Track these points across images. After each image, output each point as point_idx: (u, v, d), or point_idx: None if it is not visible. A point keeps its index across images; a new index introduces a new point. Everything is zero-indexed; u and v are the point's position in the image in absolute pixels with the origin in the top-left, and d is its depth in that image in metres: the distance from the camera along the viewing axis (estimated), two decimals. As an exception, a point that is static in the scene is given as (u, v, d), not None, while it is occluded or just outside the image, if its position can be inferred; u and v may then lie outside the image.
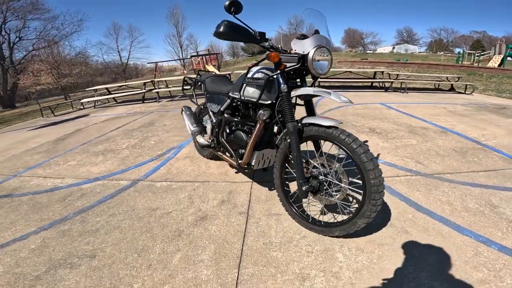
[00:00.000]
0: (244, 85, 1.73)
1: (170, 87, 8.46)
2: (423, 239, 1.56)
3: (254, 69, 1.72)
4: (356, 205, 1.71)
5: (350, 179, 1.51)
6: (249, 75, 1.71)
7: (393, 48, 55.55)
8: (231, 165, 2.61)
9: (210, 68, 16.89)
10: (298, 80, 1.60)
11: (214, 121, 2.17)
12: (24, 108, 17.20)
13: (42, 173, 2.96)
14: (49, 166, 3.16)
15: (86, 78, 25.08)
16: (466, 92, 7.96)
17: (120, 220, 1.89)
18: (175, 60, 35.55)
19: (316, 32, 1.51)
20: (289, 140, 1.50)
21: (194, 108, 2.76)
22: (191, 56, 20.31)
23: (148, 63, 30.61)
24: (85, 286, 1.36)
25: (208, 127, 2.31)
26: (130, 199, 2.15)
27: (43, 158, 3.51)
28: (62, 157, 3.43)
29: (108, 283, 1.37)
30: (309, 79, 1.66)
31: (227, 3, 1.35)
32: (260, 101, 1.60)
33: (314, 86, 1.49)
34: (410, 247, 1.51)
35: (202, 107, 2.61)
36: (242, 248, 1.54)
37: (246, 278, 1.34)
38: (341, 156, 1.45)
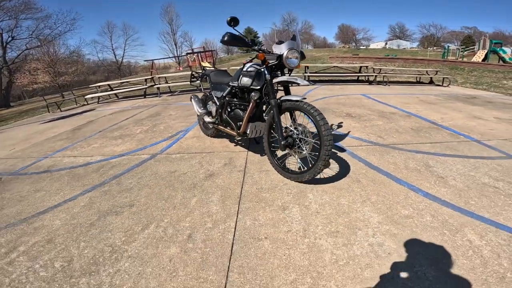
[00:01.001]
0: (241, 76, 2.39)
1: (170, 83, 8.99)
2: (370, 186, 2.17)
3: (248, 64, 2.38)
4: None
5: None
6: (244, 69, 2.37)
7: (386, 43, 56.44)
8: (231, 138, 3.25)
9: (206, 65, 17.44)
10: (279, 72, 2.23)
11: (218, 104, 2.81)
12: (21, 107, 17.42)
13: (71, 154, 3.51)
14: (75, 149, 3.71)
15: (80, 77, 25.26)
16: (444, 85, 8.67)
17: (148, 180, 2.48)
18: (170, 57, 35.77)
19: (293, 37, 2.12)
20: (272, 112, 2.14)
21: (200, 96, 3.36)
22: (187, 53, 20.72)
23: (145, 60, 30.93)
24: (129, 224, 1.85)
25: (213, 109, 2.97)
26: (152, 167, 2.74)
27: (66, 143, 4.06)
28: (84, 142, 3.99)
29: (145, 220, 1.90)
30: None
31: (228, 19, 1.98)
32: (251, 87, 2.25)
33: (288, 75, 2.14)
34: (359, 191, 2.11)
35: (207, 94, 3.22)
36: (241, 192, 2.15)
37: (244, 209, 1.94)
38: (307, 124, 2.10)
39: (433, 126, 3.65)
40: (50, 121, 6.58)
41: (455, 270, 1.34)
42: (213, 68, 3.29)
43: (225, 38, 1.96)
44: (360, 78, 9.31)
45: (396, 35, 59.52)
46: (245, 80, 2.33)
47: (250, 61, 2.42)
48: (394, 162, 2.56)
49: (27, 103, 21.32)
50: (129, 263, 1.51)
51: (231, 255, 1.51)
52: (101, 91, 9.20)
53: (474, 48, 19.61)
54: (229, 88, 2.60)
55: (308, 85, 2.06)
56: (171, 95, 8.36)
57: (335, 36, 60.75)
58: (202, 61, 17.87)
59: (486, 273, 1.32)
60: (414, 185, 2.19)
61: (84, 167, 3.01)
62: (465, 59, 16.97)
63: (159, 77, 9.04)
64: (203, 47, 26.56)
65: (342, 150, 2.88)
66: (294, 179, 2.19)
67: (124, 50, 39.46)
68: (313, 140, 2.03)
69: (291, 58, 2.03)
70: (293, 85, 2.13)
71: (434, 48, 42.06)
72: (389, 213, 1.83)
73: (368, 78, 8.91)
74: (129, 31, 40.56)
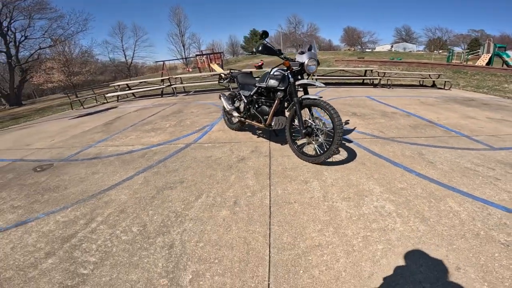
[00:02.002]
0: (268, 78, 2.94)
1: (184, 83, 9.58)
2: (372, 167, 2.69)
3: (274, 69, 2.93)
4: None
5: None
6: (271, 73, 2.93)
7: (392, 46, 56.73)
8: (253, 131, 3.80)
9: (215, 66, 18.03)
10: (299, 76, 2.77)
11: (246, 101, 3.35)
12: (34, 105, 18.09)
13: (113, 144, 4.05)
14: (115, 140, 4.25)
15: (92, 77, 25.93)
16: (445, 88, 9.12)
17: (189, 163, 3.01)
18: (179, 59, 36.54)
19: (310, 47, 2.67)
20: (294, 108, 2.69)
21: (227, 94, 3.91)
22: (196, 55, 21.34)
23: (156, 62, 31.64)
24: (184, 196, 2.32)
25: (242, 106, 3.52)
26: (190, 153, 3.29)
27: (104, 135, 4.61)
28: (121, 134, 4.54)
29: (196, 192, 2.39)
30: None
31: (260, 32, 2.53)
32: (278, 87, 2.79)
33: (307, 79, 2.69)
34: (365, 170, 2.64)
35: (235, 93, 3.77)
36: (270, 171, 2.68)
37: (274, 183, 2.46)
38: (322, 118, 2.65)
39: (429, 124, 4.15)
40: (78, 117, 7.14)
41: (440, 227, 1.81)
42: (238, 71, 3.83)
43: (260, 48, 2.51)
44: (365, 81, 9.80)
45: (402, 38, 59.82)
46: (272, 82, 2.87)
47: (276, 67, 2.98)
48: (393, 151, 3.08)
49: (38, 102, 22.03)
50: (192, 224, 1.95)
51: (270, 214, 2.02)
52: (120, 90, 9.82)
53: (478, 52, 19.92)
54: (255, 88, 3.16)
55: (323, 87, 2.65)
56: (186, 94, 8.95)
57: (340, 39, 61.40)
58: (211, 62, 18.49)
59: (464, 230, 1.77)
60: (409, 167, 2.70)
61: (129, 154, 3.55)
62: (469, 63, 17.33)
63: (175, 78, 9.63)
64: (212, 49, 27.25)
65: (350, 141, 3.40)
66: (312, 161, 2.72)
67: (134, 50, 40.46)
68: (328, 128, 2.56)
69: (310, 65, 2.59)
70: (310, 86, 2.68)
71: (440, 51, 42.26)
72: (388, 186, 2.35)
73: (372, 81, 9.40)
74: (139, 32, 41.67)
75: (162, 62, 18.78)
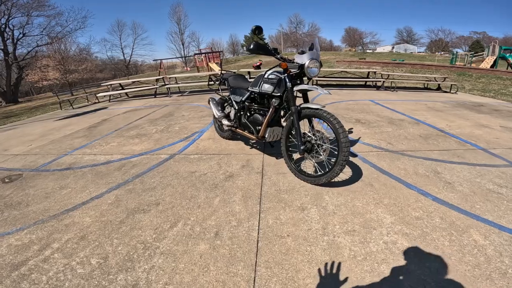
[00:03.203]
0: (262, 82, 2.52)
1: (179, 83, 9.18)
2: (381, 190, 2.30)
3: (269, 71, 2.50)
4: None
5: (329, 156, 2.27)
6: (266, 76, 2.50)
7: (393, 47, 56.31)
8: (246, 141, 3.39)
9: (213, 66, 17.61)
10: (298, 80, 2.35)
11: (237, 108, 2.94)
12: (30, 103, 17.74)
13: (91, 152, 3.67)
14: (94, 147, 3.87)
15: (88, 74, 25.58)
16: (451, 91, 8.72)
17: (170, 180, 2.62)
18: (179, 57, 36.10)
19: (311, 46, 2.26)
20: (292, 118, 2.27)
21: (217, 98, 3.51)
22: (195, 54, 20.93)
23: (153, 60, 31.24)
24: (157, 222, 1.95)
25: (232, 113, 3.11)
26: (173, 166, 2.89)
27: (84, 141, 4.22)
28: (102, 140, 4.15)
29: (173, 218, 2.01)
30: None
31: (253, 27, 2.11)
32: (273, 93, 2.38)
33: (307, 84, 2.28)
34: (372, 194, 2.25)
35: (226, 98, 3.36)
36: (261, 193, 2.28)
37: (265, 209, 2.07)
38: (323, 130, 2.24)
39: (441, 134, 3.75)
40: (65, 118, 6.77)
41: (462, 266, 1.47)
42: (231, 72, 3.42)
43: (251, 47, 2.06)
44: (367, 83, 9.40)
45: (404, 39, 59.39)
46: (266, 87, 2.46)
47: (271, 68, 2.55)
48: (404, 168, 2.68)
49: (35, 100, 21.68)
50: (162, 260, 1.61)
51: (257, 251, 1.64)
52: (113, 90, 9.41)
53: (483, 54, 19.55)
54: (248, 93, 2.74)
55: (327, 93, 2.21)
56: (181, 95, 8.54)
57: (341, 39, 60.88)
58: (210, 62, 18.07)
59: (490, 269, 1.44)
60: (424, 189, 2.31)
61: (106, 165, 3.16)
62: (473, 65, 16.95)
63: (169, 78, 9.23)
64: (211, 48, 26.81)
65: (354, 155, 3.00)
66: (311, 182, 2.32)
67: (133, 49, 39.94)
68: (330, 146, 2.16)
69: (312, 68, 2.17)
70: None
71: (442, 53, 41.88)
72: (401, 214, 1.97)
73: (376, 84, 9.00)
74: (138, 30, 41.13)
75: (159, 61, 18.37)
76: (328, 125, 2.06)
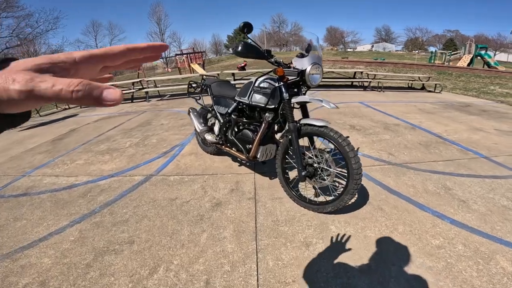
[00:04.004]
0: (252, 92, 2.10)
1: (159, 87, 8.59)
2: (393, 214, 2.01)
3: (260, 79, 2.08)
4: (342, 187, 2.14)
5: (337, 169, 1.93)
6: (256, 84, 2.07)
7: (372, 46, 57.72)
8: (236, 159, 2.98)
9: (196, 67, 16.96)
10: (296, 88, 1.96)
11: (222, 121, 2.52)
12: None
13: (52, 172, 3.14)
14: (57, 166, 3.32)
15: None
16: (436, 91, 8.76)
17: (146, 210, 2.18)
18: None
19: (309, 46, 1.89)
20: (289, 137, 1.89)
21: (198, 108, 3.08)
22: (176, 55, 20.15)
23: (129, 60, 29.82)
24: (133, 267, 1.58)
25: (216, 127, 2.66)
26: (149, 192, 2.45)
27: (46, 158, 3.66)
28: (66, 157, 3.60)
29: (151, 262, 1.62)
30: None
31: (241, 24, 1.70)
32: (266, 106, 1.98)
33: (304, 93, 1.92)
34: (384, 220, 1.95)
35: (209, 108, 2.93)
36: (256, 226, 1.91)
37: (263, 247, 1.71)
38: (327, 149, 1.89)
39: (440, 141, 3.55)
40: (30, 128, 6.05)
41: None
42: (214, 78, 2.98)
43: (239, 49, 1.62)
44: (354, 84, 9.26)
45: (382, 38, 60.96)
46: (258, 98, 2.05)
47: (263, 75, 2.10)
48: (412, 184, 2.41)
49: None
50: None
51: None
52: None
53: (459, 53, 20.20)
54: (235, 104, 2.32)
55: (335, 107, 1.85)
56: (160, 99, 7.97)
57: (323, 38, 61.49)
58: (192, 62, 17.41)
59: None
60: (439, 211, 2.06)
61: (68, 190, 2.67)
62: (451, 63, 17.43)
63: (147, 81, 8.61)
64: (193, 48, 25.99)
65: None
66: (314, 210, 1.97)
67: (109, 49, 37.86)
68: (337, 170, 1.82)
69: (314, 74, 1.79)
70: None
71: (419, 51, 43.31)
72: (420, 244, 1.71)
73: (363, 84, 8.87)
74: (115, 31, 39.06)
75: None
76: (336, 147, 1.71)
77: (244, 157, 2.28)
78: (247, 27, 1.70)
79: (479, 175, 2.64)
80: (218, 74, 8.50)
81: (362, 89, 8.58)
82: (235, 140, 2.33)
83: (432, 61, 19.41)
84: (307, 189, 2.18)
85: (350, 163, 1.66)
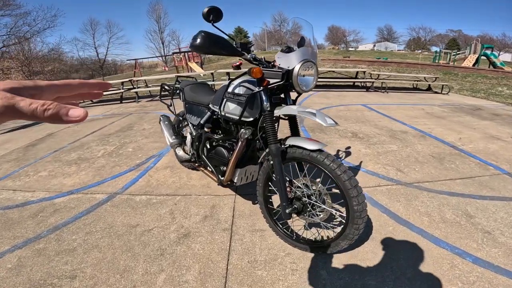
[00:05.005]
0: (225, 100, 1.63)
1: (150, 87, 8.19)
2: (403, 253, 1.59)
3: (236, 82, 1.62)
4: (339, 222, 1.71)
5: (333, 205, 1.51)
6: (230, 89, 1.60)
7: (374, 46, 56.95)
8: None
9: (194, 65, 16.53)
10: (282, 94, 1.51)
11: (194, 134, 2.08)
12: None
13: (12, 186, 2.75)
14: (19, 177, 2.94)
15: (61, 75, 23.73)
16: (443, 92, 8.29)
17: (98, 239, 1.78)
18: (156, 57, 34.42)
19: (302, 39, 1.46)
20: (270, 162, 1.44)
21: (172, 117, 2.67)
22: (173, 53, 19.75)
23: (127, 60, 29.51)
24: None
25: (188, 140, 2.22)
26: (107, 215, 2.04)
27: (12, 168, 3.27)
28: (32, 167, 3.21)
29: None
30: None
31: (205, 10, 1.22)
32: (242, 118, 1.53)
33: (297, 103, 1.47)
34: (389, 261, 1.53)
35: (181, 117, 2.50)
36: (227, 267, 1.50)
37: (230, 301, 1.31)
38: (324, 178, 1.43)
39: (455, 152, 3.11)
40: (9, 131, 5.66)
41: None
42: (191, 80, 2.52)
43: (197, 41, 1.15)
44: (356, 84, 8.81)
45: (384, 37, 60.17)
46: (231, 108, 1.59)
47: (239, 76, 1.62)
48: (426, 211, 1.97)
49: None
50: None
51: None
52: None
53: (464, 52, 19.61)
54: (209, 113, 1.86)
55: (333, 125, 1.32)
56: (151, 100, 7.57)
57: (324, 37, 60.72)
58: (189, 61, 16.98)
59: None
60: (459, 247, 1.65)
61: (21, 208, 2.29)
62: (456, 63, 16.89)
63: (137, 80, 8.21)
64: (191, 46, 25.45)
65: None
66: (300, 249, 1.55)
67: (108, 48, 37.43)
68: (332, 209, 1.39)
69: (304, 75, 1.35)
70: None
71: (421, 50, 42.62)
72: None
73: (365, 84, 8.41)
74: (113, 29, 38.26)
75: (134, 60, 17.12)
76: (333, 180, 1.27)
77: (217, 181, 1.83)
78: (214, 14, 1.25)
79: (504, 196, 2.21)
80: (212, 73, 8.09)
81: (365, 90, 8.14)
82: (207, 161, 1.88)
83: (437, 61, 18.86)
84: (294, 222, 1.75)
85: (350, 204, 1.23)
